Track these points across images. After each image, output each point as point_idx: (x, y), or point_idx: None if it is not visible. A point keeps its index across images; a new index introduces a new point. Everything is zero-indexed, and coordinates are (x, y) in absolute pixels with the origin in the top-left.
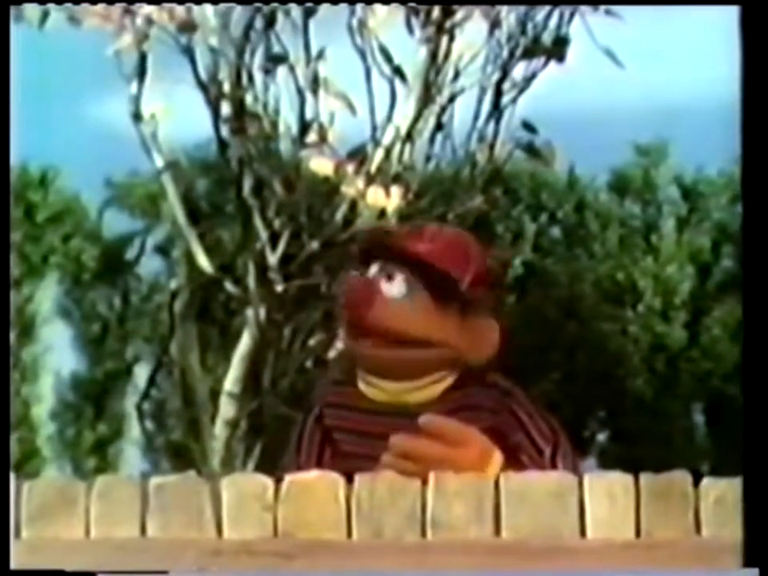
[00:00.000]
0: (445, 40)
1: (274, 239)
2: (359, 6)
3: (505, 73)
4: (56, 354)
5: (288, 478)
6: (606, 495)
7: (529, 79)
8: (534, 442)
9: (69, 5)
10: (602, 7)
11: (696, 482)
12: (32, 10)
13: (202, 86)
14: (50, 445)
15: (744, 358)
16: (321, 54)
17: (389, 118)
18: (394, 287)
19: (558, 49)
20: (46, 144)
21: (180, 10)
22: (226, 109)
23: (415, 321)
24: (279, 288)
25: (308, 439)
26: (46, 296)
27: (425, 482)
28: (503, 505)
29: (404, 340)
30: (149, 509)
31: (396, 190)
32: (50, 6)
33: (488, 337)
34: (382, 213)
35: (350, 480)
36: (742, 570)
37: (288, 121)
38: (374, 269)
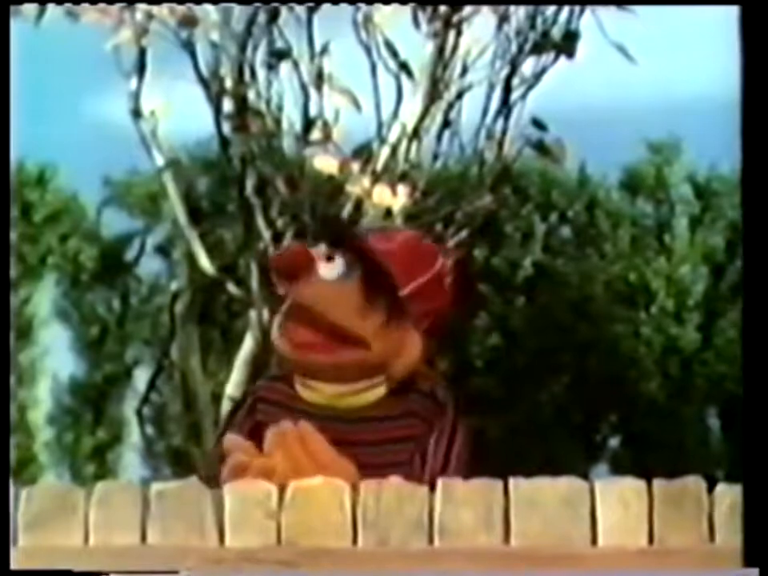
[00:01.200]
0: (452, 35)
1: (277, 239)
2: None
3: (514, 68)
4: (54, 357)
5: (292, 485)
6: (618, 501)
7: (538, 75)
8: (446, 457)
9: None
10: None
11: (710, 488)
12: (28, 6)
13: (203, 82)
14: (47, 450)
15: (744, 361)
16: (325, 49)
17: (395, 115)
18: (330, 268)
19: (567, 44)
20: (44, 142)
21: (180, 4)
22: (227, 105)
23: (339, 307)
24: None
25: (237, 430)
26: (43, 298)
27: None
28: (512, 511)
29: (322, 323)
30: (149, 516)
31: (402, 189)
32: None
33: (407, 350)
34: (388, 212)
35: (355, 487)
36: (742, 570)
37: (291, 118)
38: (321, 248)
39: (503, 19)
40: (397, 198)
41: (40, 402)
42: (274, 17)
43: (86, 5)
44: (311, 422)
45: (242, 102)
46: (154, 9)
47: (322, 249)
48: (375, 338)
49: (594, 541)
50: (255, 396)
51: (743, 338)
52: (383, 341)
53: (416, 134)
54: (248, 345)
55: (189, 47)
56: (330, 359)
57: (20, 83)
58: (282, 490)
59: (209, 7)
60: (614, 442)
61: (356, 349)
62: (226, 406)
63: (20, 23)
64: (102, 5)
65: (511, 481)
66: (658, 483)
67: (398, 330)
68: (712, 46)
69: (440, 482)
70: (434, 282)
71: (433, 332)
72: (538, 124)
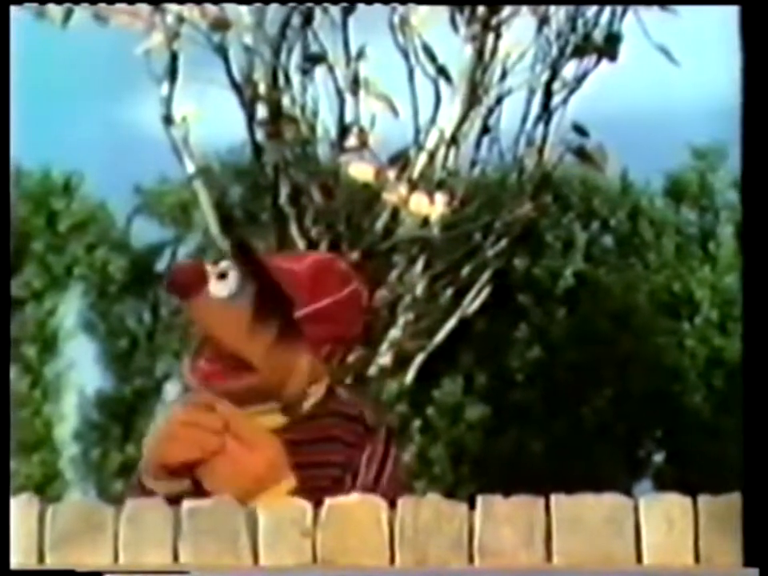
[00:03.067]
0: (491, 38)
1: (311, 249)
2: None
3: (554, 72)
4: (80, 371)
5: (328, 502)
6: (663, 519)
7: (579, 79)
8: (377, 479)
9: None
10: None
11: None
12: (54, 8)
13: (236, 87)
14: (73, 467)
15: (744, 363)
16: (361, 53)
17: (432, 121)
18: (221, 286)
19: (609, 46)
20: (70, 148)
21: (212, 7)
22: (261, 111)
23: (226, 327)
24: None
25: None
26: (69, 309)
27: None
28: (554, 529)
29: (213, 344)
30: (181, 534)
31: (440, 197)
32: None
33: (296, 374)
34: (426, 221)
35: (392, 504)
36: (742, 569)
37: (326, 124)
38: (222, 264)
39: (543, 21)
40: (434, 207)
41: (66, 417)
42: (308, 19)
43: (116, 6)
44: None
45: (275, 108)
46: (186, 12)
47: (220, 265)
48: (262, 360)
49: (638, 559)
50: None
51: (744, 341)
52: (270, 364)
53: (454, 140)
54: None
55: (221, 51)
56: (221, 385)
57: (46, 89)
58: (316, 507)
59: (242, 10)
60: (657, 457)
61: (244, 374)
62: None
63: (47, 27)
64: (131, 7)
65: (553, 498)
66: (703, 499)
67: (288, 352)
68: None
69: (480, 499)
70: (338, 307)
71: (331, 358)
72: (579, 129)
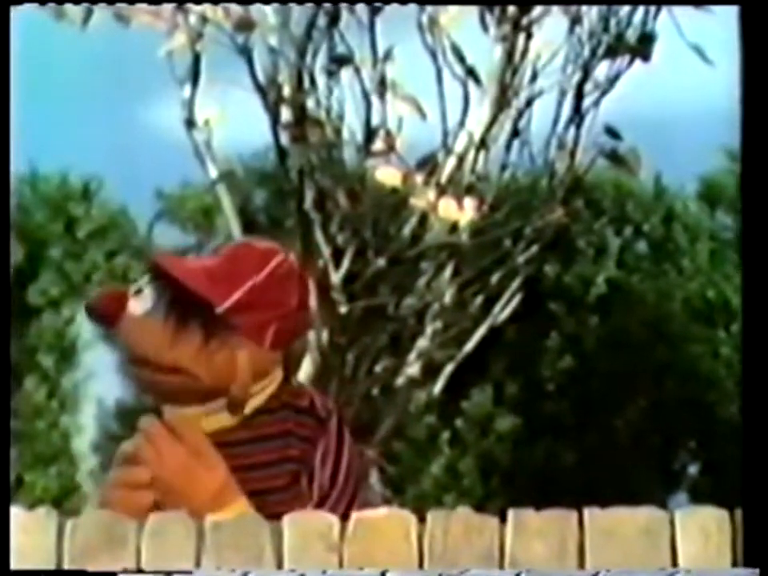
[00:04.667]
0: (522, 38)
1: (337, 256)
2: None
3: (586, 73)
4: (99, 381)
5: (355, 516)
6: (699, 532)
7: (612, 80)
8: (310, 486)
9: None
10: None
11: None
12: (74, 9)
13: (260, 90)
14: (91, 480)
15: (744, 367)
16: (388, 55)
17: (461, 124)
18: (139, 303)
19: (643, 46)
20: (89, 152)
21: (236, 7)
22: (285, 114)
23: (148, 341)
24: (343, 309)
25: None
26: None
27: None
28: (587, 543)
29: (141, 361)
30: (204, 548)
31: (469, 202)
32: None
33: (239, 369)
34: (454, 227)
35: (421, 518)
36: (742, 569)
37: (352, 127)
38: (137, 283)
39: (575, 21)
40: (463, 212)
41: (84, 428)
42: (334, 20)
43: (137, 6)
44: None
45: (300, 111)
46: (209, 12)
47: (136, 284)
48: (194, 363)
49: (674, 574)
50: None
51: (744, 343)
52: (205, 365)
53: (483, 143)
54: (306, 367)
55: (245, 52)
56: (164, 386)
57: (65, 91)
58: (343, 520)
59: (266, 10)
60: (693, 469)
61: (176, 376)
62: None
63: (66, 28)
64: (153, 7)
65: (586, 511)
66: (740, 512)
67: (222, 349)
68: None
69: (511, 513)
70: (261, 289)
71: (278, 343)
72: (611, 132)
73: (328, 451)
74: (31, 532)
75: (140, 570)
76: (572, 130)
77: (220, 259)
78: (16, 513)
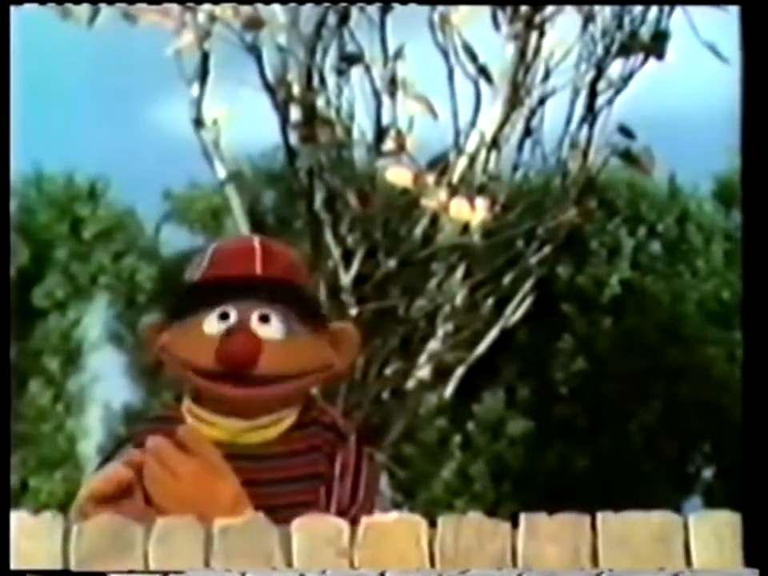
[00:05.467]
0: (534, 36)
1: (347, 257)
2: None
3: (599, 72)
4: (106, 384)
5: (365, 521)
6: (713, 536)
7: (626, 79)
8: (328, 497)
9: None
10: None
11: None
12: (80, 7)
13: (269, 89)
14: None
15: (745, 371)
16: (399, 53)
17: (473, 123)
18: (273, 329)
19: (657, 44)
20: (95, 153)
21: (245, 5)
22: (295, 113)
23: (303, 357)
24: (353, 311)
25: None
26: (94, 320)
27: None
28: (601, 548)
29: (292, 377)
30: (212, 554)
31: (481, 203)
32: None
33: (351, 341)
34: (466, 228)
35: (432, 523)
36: (742, 569)
37: (363, 127)
38: (233, 313)
39: (588, 19)
40: (475, 212)
41: (90, 432)
42: (344, 18)
43: (144, 5)
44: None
45: (310, 110)
46: (217, 10)
47: (236, 314)
48: (331, 354)
49: (677, 574)
50: (136, 438)
51: (744, 344)
52: (332, 349)
53: (495, 143)
54: None
55: (254, 51)
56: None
57: (71, 91)
58: (353, 525)
59: (276, 8)
60: (707, 473)
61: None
62: None
63: (72, 27)
64: (162, 6)
65: (599, 515)
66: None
67: (331, 326)
68: None
69: (523, 517)
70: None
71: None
72: (625, 131)
73: (347, 466)
74: (37, 537)
75: (135, 571)
76: (585, 129)
77: (273, 258)
78: (21, 517)
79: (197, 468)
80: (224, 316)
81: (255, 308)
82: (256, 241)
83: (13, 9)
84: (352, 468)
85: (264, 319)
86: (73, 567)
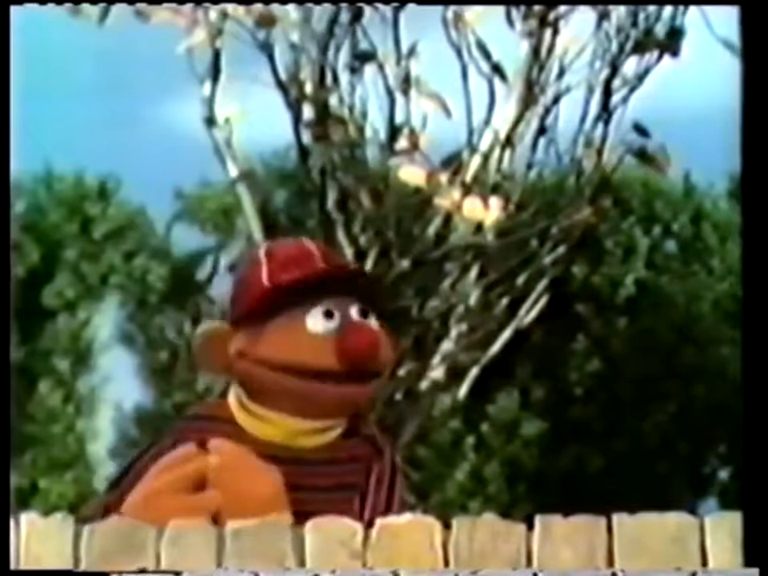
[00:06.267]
0: (548, 33)
1: (360, 257)
2: None
3: (614, 69)
4: (116, 385)
5: (378, 523)
6: (729, 538)
7: (641, 76)
8: (362, 505)
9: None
10: None
11: None
12: (91, 6)
13: (282, 87)
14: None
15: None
16: (412, 51)
17: (487, 122)
18: (374, 322)
19: (672, 41)
20: (106, 151)
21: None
22: (307, 112)
23: (392, 351)
24: None
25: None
26: (105, 320)
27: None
28: (617, 550)
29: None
30: (225, 556)
31: (495, 202)
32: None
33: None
34: (479, 227)
35: (446, 524)
36: (742, 569)
37: (376, 125)
38: (336, 311)
39: (603, 16)
40: (489, 212)
41: (101, 433)
42: (357, 16)
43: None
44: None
45: (323, 109)
46: (230, 8)
47: (343, 311)
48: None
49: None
50: (177, 436)
51: (744, 345)
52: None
53: (509, 141)
54: None
55: (266, 49)
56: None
57: (81, 89)
58: (367, 527)
59: (288, 6)
60: (723, 474)
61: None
62: None
63: (82, 25)
64: (174, 4)
65: (615, 517)
66: None
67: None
68: None
69: (538, 519)
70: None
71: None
72: (640, 130)
73: (382, 479)
74: (47, 538)
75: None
76: (600, 128)
77: (323, 258)
78: (31, 519)
79: (249, 465)
80: (329, 314)
81: (351, 304)
82: (308, 242)
83: (25, 8)
84: (387, 481)
85: (364, 314)
86: (83, 569)
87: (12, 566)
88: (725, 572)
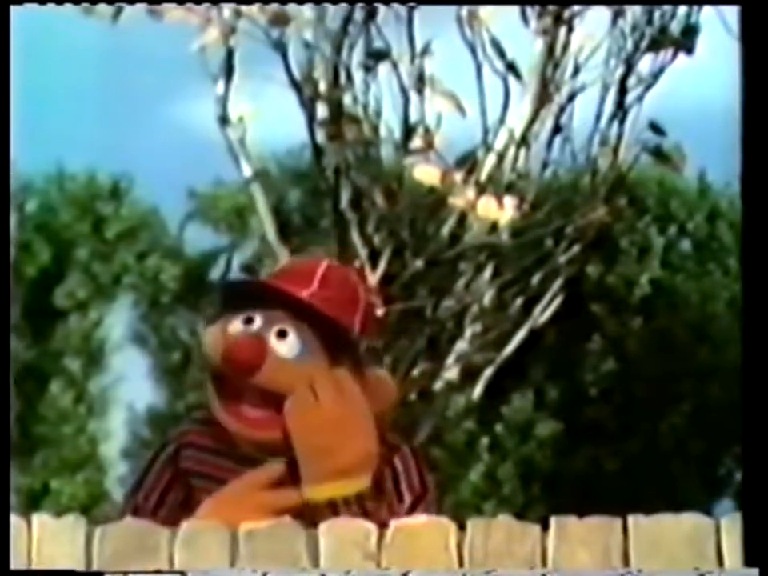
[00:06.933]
0: (563, 31)
1: (373, 257)
2: None
3: (629, 67)
4: (129, 386)
5: (393, 524)
6: None
7: (656, 74)
8: (398, 491)
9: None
10: None
11: None
12: (104, 5)
13: (296, 86)
14: (121, 487)
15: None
16: (426, 49)
17: (501, 120)
18: (288, 345)
19: (687, 39)
20: (119, 151)
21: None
22: (321, 111)
23: (305, 381)
24: (379, 312)
25: (155, 478)
26: (117, 320)
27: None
28: (632, 551)
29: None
30: (239, 557)
31: (509, 201)
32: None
33: (385, 389)
34: (494, 227)
35: (461, 526)
36: (742, 569)
37: (390, 124)
38: (258, 321)
39: (618, 14)
40: (503, 211)
41: (113, 434)
42: (371, 14)
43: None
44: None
45: (337, 108)
46: (243, 6)
47: (260, 322)
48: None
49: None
50: (180, 441)
51: (744, 346)
52: (369, 393)
53: (524, 140)
54: None
55: (280, 48)
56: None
57: (94, 88)
58: (381, 529)
59: (302, 4)
60: (739, 475)
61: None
62: None
63: (95, 24)
64: (187, 4)
65: (631, 518)
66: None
67: (370, 372)
68: None
69: (553, 521)
70: (370, 308)
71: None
72: (655, 128)
73: (408, 461)
74: (59, 539)
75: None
76: (615, 126)
77: (317, 285)
78: (43, 520)
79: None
80: (249, 320)
81: (279, 321)
82: (323, 265)
83: (41, 8)
84: (414, 463)
85: (282, 334)
86: (96, 567)
87: (19, 567)
88: (725, 572)
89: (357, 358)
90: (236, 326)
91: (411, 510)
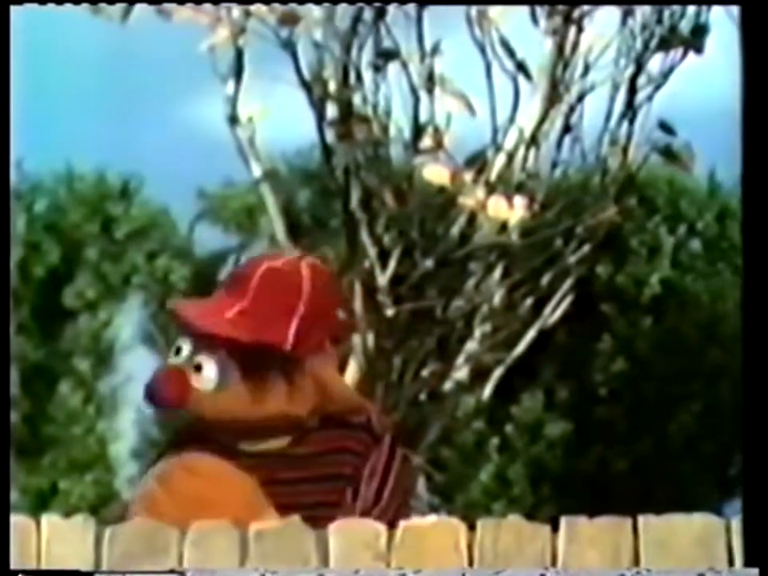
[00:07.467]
0: (573, 31)
1: (383, 257)
2: None
3: (639, 67)
4: (138, 386)
5: (403, 524)
6: None
7: (666, 74)
8: (378, 493)
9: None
10: None
11: None
12: (113, 6)
13: (305, 86)
14: (130, 487)
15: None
16: (436, 49)
17: (511, 120)
18: (204, 378)
19: (696, 38)
20: (128, 150)
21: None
22: (331, 111)
23: (234, 409)
24: (389, 312)
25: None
26: (126, 321)
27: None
28: (642, 552)
29: (227, 428)
30: (248, 558)
31: (519, 201)
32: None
33: (330, 391)
34: (504, 226)
35: (471, 526)
36: (742, 569)
37: (400, 124)
38: (185, 350)
39: (627, 14)
40: (513, 211)
41: (122, 434)
42: (381, 14)
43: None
44: (239, 462)
45: (346, 107)
46: (252, 6)
47: (186, 353)
48: (287, 404)
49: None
50: (183, 441)
51: (744, 346)
52: (297, 401)
53: (534, 140)
54: (351, 372)
55: (289, 47)
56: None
57: (103, 87)
58: (391, 529)
59: (311, 4)
60: None
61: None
62: None
63: (104, 23)
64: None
65: (641, 518)
66: None
67: (306, 378)
68: None
69: (563, 521)
70: (308, 308)
71: (335, 336)
72: (665, 128)
73: (376, 467)
74: (68, 540)
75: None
76: (625, 126)
77: (250, 298)
78: (52, 521)
79: (199, 484)
80: (178, 350)
81: (204, 350)
82: (263, 269)
83: (47, 7)
84: (381, 469)
85: (198, 368)
86: (105, 568)
87: (23, 567)
88: (724, 572)
89: (285, 372)
90: (170, 356)
91: (383, 514)
